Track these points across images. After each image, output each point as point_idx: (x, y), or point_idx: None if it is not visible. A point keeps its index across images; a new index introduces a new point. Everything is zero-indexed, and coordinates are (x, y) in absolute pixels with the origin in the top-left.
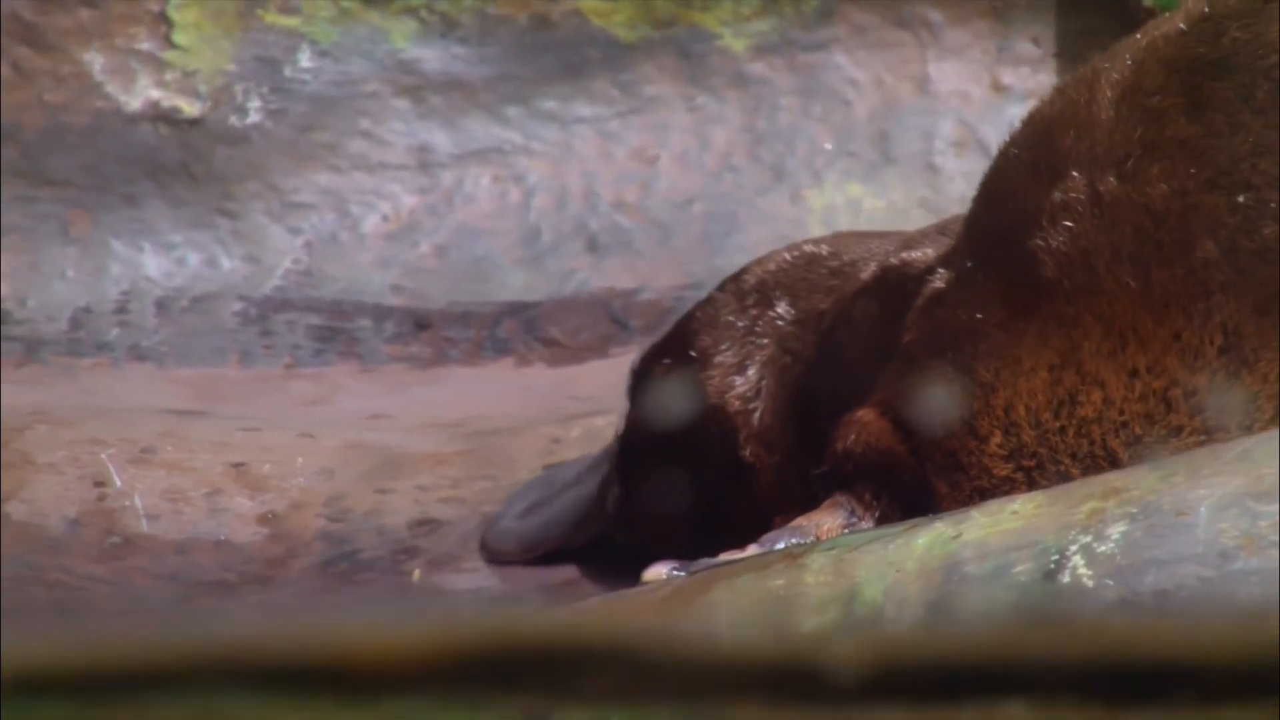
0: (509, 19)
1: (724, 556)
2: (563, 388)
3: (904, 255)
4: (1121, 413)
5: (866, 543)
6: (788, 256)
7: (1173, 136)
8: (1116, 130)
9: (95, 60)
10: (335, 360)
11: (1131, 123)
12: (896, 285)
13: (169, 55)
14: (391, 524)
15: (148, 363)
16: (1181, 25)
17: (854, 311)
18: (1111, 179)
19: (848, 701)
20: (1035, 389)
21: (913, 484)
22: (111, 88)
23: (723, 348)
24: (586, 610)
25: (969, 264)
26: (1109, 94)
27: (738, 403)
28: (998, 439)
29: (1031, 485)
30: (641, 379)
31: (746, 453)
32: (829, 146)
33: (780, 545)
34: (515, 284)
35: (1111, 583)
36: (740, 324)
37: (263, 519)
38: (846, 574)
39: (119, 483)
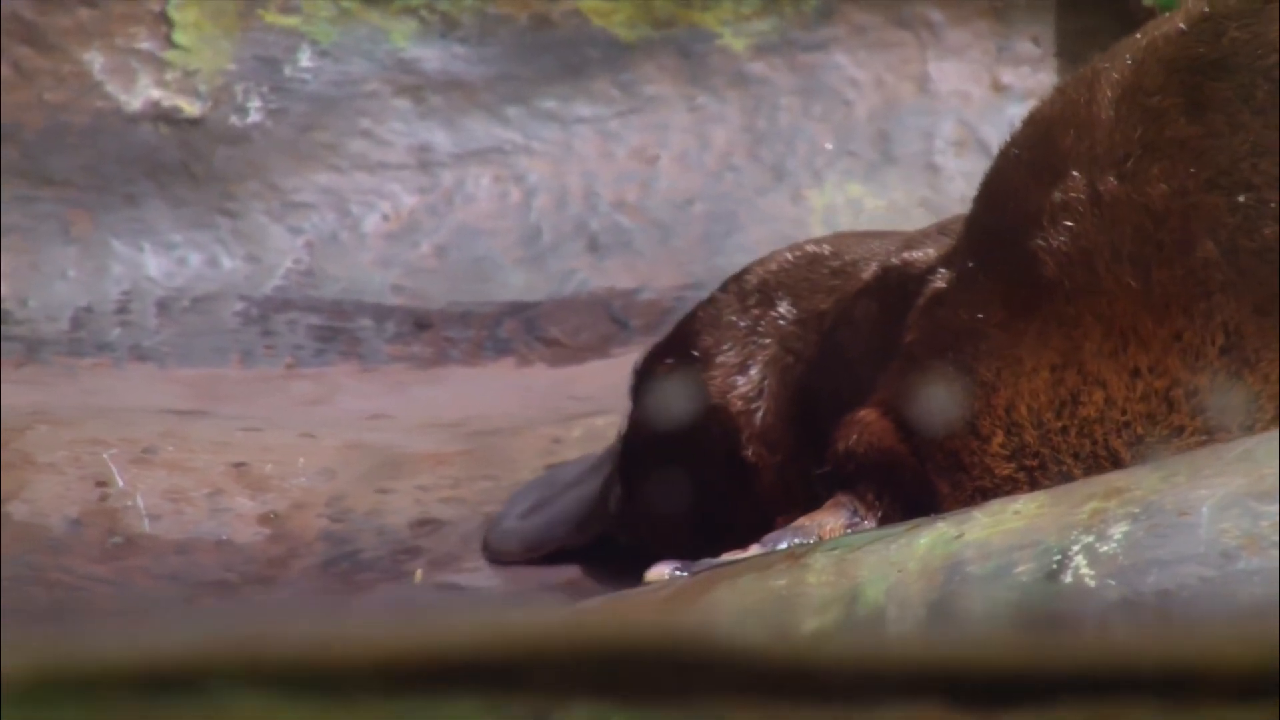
0: (509, 19)
1: (726, 556)
2: (563, 388)
3: (905, 255)
4: (1123, 413)
5: (868, 543)
6: (789, 256)
7: (1173, 136)
8: (1117, 130)
9: (95, 60)
10: (336, 360)
11: (1131, 123)
12: (898, 285)
13: (169, 55)
14: (393, 524)
15: (149, 363)
16: (1181, 25)
17: (855, 311)
18: (1112, 179)
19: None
20: (1037, 389)
21: (915, 484)
22: (112, 87)
23: (725, 348)
24: (589, 610)
25: (970, 264)
26: (1109, 94)
27: (740, 403)
28: (999, 439)
29: (1033, 485)
30: (644, 379)
31: (749, 453)
32: (829, 146)
33: (782, 545)
34: (516, 284)
35: (1113, 583)
36: (742, 324)
37: (264, 519)
38: (848, 574)
39: (121, 483)
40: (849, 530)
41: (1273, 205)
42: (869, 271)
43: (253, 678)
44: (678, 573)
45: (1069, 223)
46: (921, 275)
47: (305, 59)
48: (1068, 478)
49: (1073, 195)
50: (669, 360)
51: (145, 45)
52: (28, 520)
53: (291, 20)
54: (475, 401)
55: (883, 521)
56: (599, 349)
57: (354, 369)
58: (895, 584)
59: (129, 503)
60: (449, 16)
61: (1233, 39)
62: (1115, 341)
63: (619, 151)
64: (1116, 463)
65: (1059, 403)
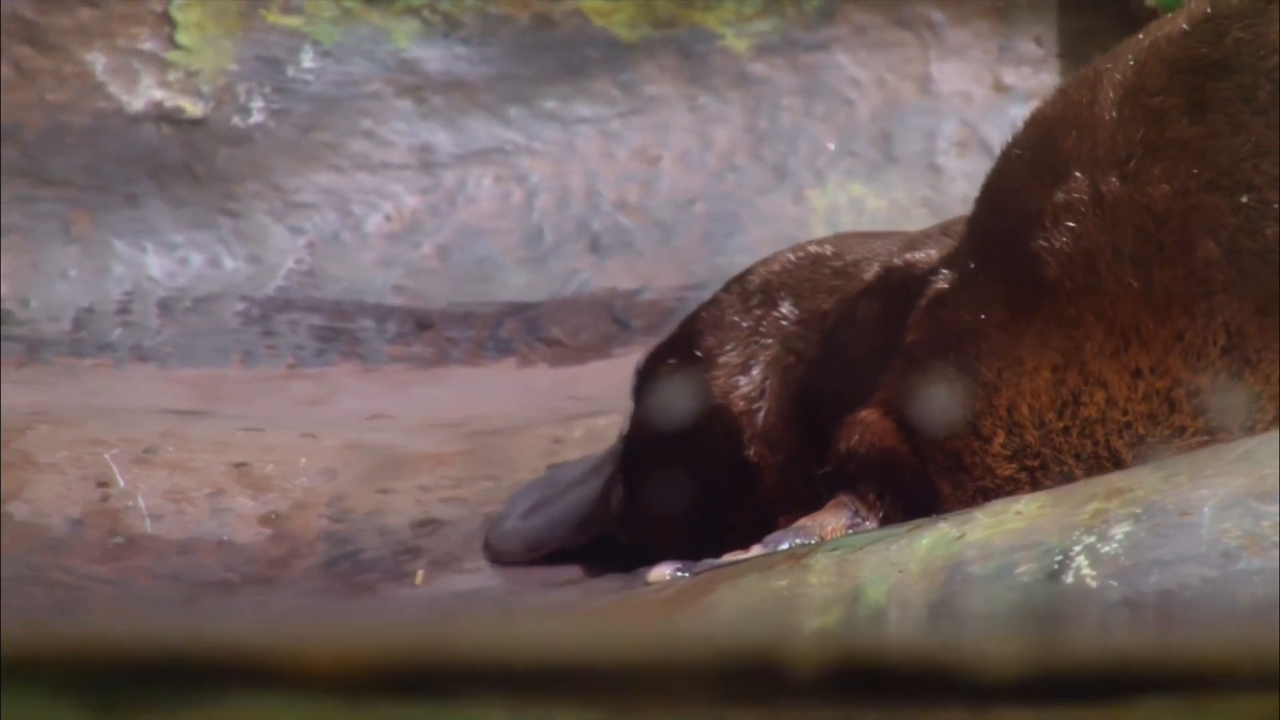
0: (510, 19)
1: (728, 557)
2: (564, 388)
3: (907, 256)
4: (1125, 413)
5: (870, 543)
6: (792, 257)
7: (1175, 137)
8: (1119, 131)
9: (97, 60)
10: (337, 360)
11: (1134, 123)
12: (900, 286)
13: (171, 55)
14: (394, 524)
15: (150, 363)
16: (1184, 26)
17: (857, 312)
18: (1114, 179)
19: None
20: (1038, 389)
21: (916, 484)
22: (114, 88)
23: (727, 348)
24: (589, 611)
25: (972, 264)
26: (1111, 94)
27: (742, 403)
28: (1001, 439)
29: (1035, 485)
30: (646, 379)
31: (750, 453)
32: (831, 146)
33: (784, 546)
34: (517, 284)
35: (1115, 583)
36: (745, 324)
37: (265, 519)
38: (850, 574)
39: (122, 483)
40: (850, 531)
41: (1274, 206)
42: (871, 272)
43: (251, 677)
44: (679, 573)
45: (1071, 223)
46: (923, 276)
47: (307, 59)
48: (1069, 478)
49: (1075, 196)
50: (671, 360)
51: (147, 45)
52: (29, 520)
53: (294, 21)
54: (476, 402)
55: (884, 522)
56: (600, 349)
57: (355, 369)
58: (897, 584)
59: (130, 503)
60: (451, 17)
61: (1235, 40)
62: (1117, 342)
63: (620, 152)
64: (1118, 463)
65: (1060, 403)
